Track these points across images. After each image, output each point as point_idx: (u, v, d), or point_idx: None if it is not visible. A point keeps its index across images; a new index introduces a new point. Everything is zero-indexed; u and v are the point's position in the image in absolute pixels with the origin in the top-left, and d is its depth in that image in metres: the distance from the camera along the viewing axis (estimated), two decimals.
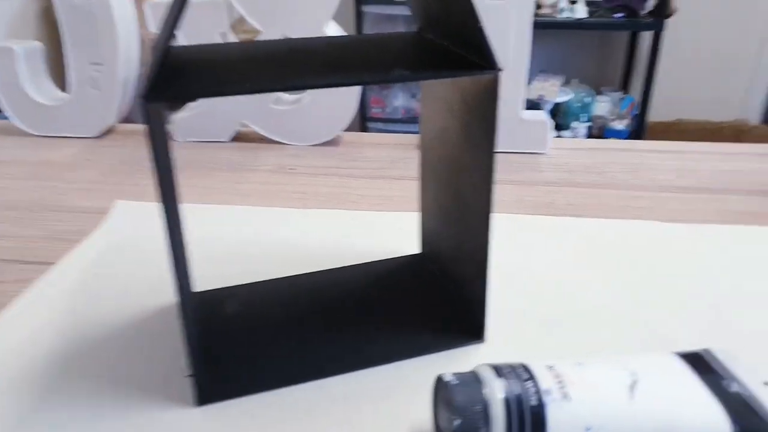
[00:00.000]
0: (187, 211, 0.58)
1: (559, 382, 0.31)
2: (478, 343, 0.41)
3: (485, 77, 0.34)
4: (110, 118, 0.79)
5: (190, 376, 0.36)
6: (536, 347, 0.41)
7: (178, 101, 0.29)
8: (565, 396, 0.31)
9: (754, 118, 2.35)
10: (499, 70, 0.33)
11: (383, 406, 0.36)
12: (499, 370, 0.32)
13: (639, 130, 2.13)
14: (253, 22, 0.68)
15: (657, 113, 2.27)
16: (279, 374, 0.38)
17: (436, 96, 0.42)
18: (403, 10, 2.18)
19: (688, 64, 2.32)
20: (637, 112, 2.15)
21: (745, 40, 2.27)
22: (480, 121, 0.36)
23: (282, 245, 0.53)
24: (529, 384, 0.31)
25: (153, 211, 0.58)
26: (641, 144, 0.75)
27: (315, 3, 0.68)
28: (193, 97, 0.29)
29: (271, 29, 0.69)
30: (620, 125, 2.16)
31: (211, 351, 0.40)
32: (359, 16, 2.24)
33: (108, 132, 0.81)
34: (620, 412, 0.31)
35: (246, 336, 0.42)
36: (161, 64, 0.30)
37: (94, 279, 0.48)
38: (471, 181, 0.39)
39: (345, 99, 0.73)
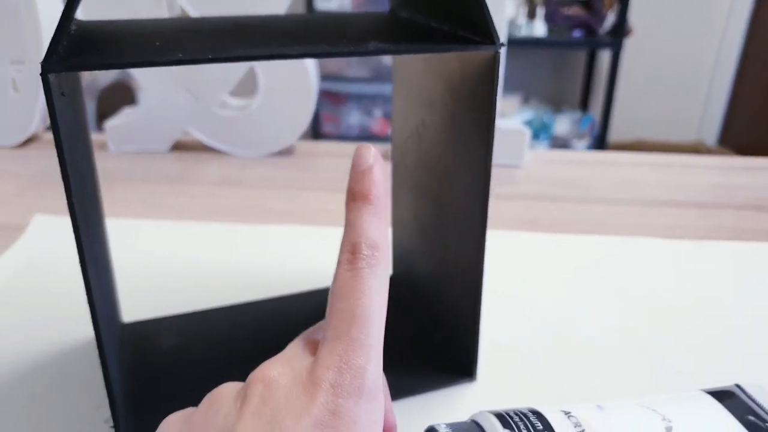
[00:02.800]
0: (115, 227, 0.50)
1: (581, 431, 0.25)
2: (469, 381, 0.34)
3: (482, 54, 0.27)
4: (32, 123, 0.69)
5: (113, 427, 0.28)
6: (535, 386, 0.34)
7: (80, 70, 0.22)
8: None
9: (710, 139, 2.39)
10: (501, 44, 0.26)
11: None
12: (505, 420, 0.26)
13: (600, 149, 2.13)
14: (192, 10, 0.60)
15: (617, 133, 2.28)
16: None
17: (411, 87, 0.35)
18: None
19: (646, 85, 2.34)
20: (597, 132, 2.14)
21: (700, 62, 2.31)
22: (472, 112, 0.29)
23: (226, 267, 0.46)
24: None
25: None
26: (623, 156, 0.70)
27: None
28: (103, 67, 0.21)
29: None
30: (580, 145, 2.15)
31: (141, 395, 0.33)
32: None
33: (30, 140, 0.72)
34: None
35: (183, 376, 0.34)
36: (65, 27, 0.23)
37: (2, 306, 0.40)
38: (457, 188, 0.32)
39: (300, 104, 0.66)
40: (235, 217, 0.54)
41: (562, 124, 2.16)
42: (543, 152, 0.72)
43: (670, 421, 0.27)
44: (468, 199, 0.31)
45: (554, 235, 0.51)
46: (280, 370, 0.21)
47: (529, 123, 2.13)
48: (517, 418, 0.26)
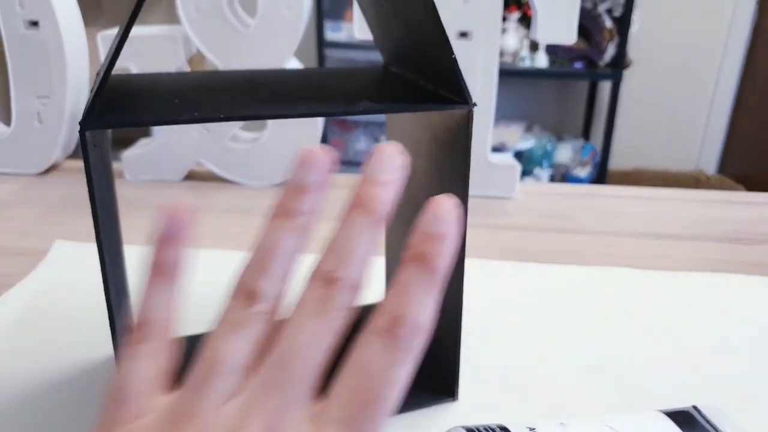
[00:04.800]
0: (132, 254, 0.54)
1: None
2: (451, 401, 0.37)
3: (457, 112, 0.31)
4: (54, 153, 0.74)
5: None
6: (513, 405, 0.38)
7: (117, 127, 0.26)
8: None
9: (709, 168, 2.42)
10: (473, 105, 0.31)
11: None
12: None
13: (600, 177, 2.16)
14: (211, 57, 0.65)
15: (617, 161, 2.32)
16: None
17: (403, 133, 0.39)
18: (366, 55, 2.19)
19: (646, 115, 2.38)
20: (598, 160, 2.18)
21: (699, 92, 2.35)
22: (451, 160, 0.33)
23: None
24: None
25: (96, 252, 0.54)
26: (609, 189, 0.74)
27: (276, 37, 0.65)
28: (131, 125, 0.26)
29: (230, 65, 0.66)
30: (582, 173, 2.19)
31: None
32: (321, 61, 2.24)
33: (52, 168, 0.76)
34: None
35: None
36: (101, 90, 0.27)
37: (21, 329, 0.43)
38: None
39: (305, 137, 0.70)
40: (243, 244, 0.58)
41: (564, 153, 2.20)
42: (533, 185, 0.76)
43: None
44: None
45: (539, 265, 0.54)
46: None
47: (531, 151, 2.17)
48: None
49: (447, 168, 0.34)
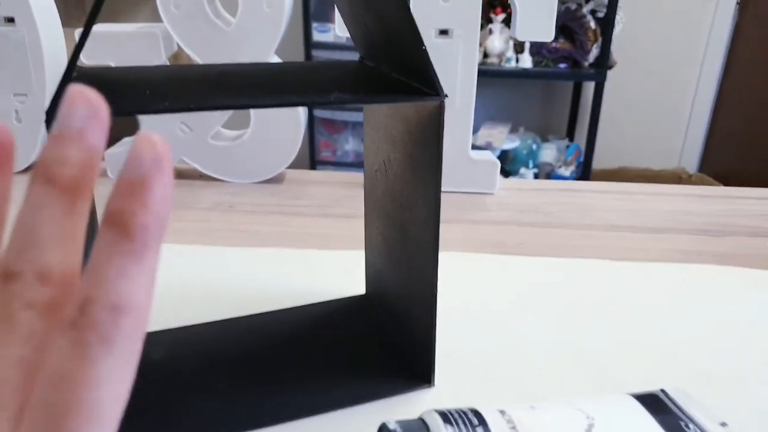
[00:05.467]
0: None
1: (513, 428, 0.30)
2: (427, 387, 0.38)
3: (429, 104, 0.32)
4: (34, 152, 0.74)
5: None
6: (487, 391, 0.38)
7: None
8: None
9: (691, 166, 2.45)
10: (444, 96, 0.31)
11: None
12: (447, 417, 0.30)
13: (584, 176, 2.19)
14: (192, 54, 0.65)
15: (601, 161, 2.34)
16: (203, 426, 0.34)
17: (378, 126, 0.40)
18: (354, 56, 2.20)
19: (629, 114, 2.41)
20: (582, 160, 2.20)
21: (681, 92, 2.38)
22: (424, 151, 0.34)
23: (217, 286, 0.50)
24: (480, 430, 0.29)
25: None
26: (587, 185, 0.75)
27: (257, 35, 0.66)
28: None
29: (210, 62, 0.67)
30: (566, 172, 2.21)
31: (130, 404, 0.36)
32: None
33: (31, 167, 0.76)
34: None
35: (171, 386, 0.38)
36: (66, 80, 0.27)
37: None
38: (416, 216, 0.37)
39: (288, 135, 0.71)
40: (225, 240, 0.59)
41: (549, 152, 2.22)
42: (515, 181, 0.77)
43: (592, 419, 0.31)
44: (424, 226, 0.36)
45: (515, 257, 0.55)
46: None
47: (516, 151, 2.18)
48: (457, 416, 0.30)
49: (421, 160, 0.35)
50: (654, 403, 0.33)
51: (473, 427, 0.29)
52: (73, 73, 0.28)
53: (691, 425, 0.31)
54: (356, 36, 0.40)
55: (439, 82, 0.31)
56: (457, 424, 0.29)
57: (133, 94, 0.30)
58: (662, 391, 0.35)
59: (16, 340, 0.15)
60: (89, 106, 0.16)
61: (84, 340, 0.15)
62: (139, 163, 0.15)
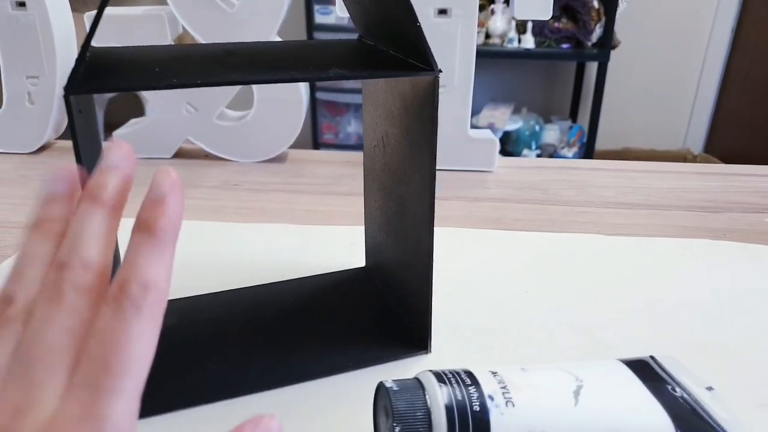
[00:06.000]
0: (125, 226, 0.56)
1: (503, 387, 0.31)
2: (425, 353, 0.40)
3: (424, 79, 0.33)
4: (46, 133, 0.76)
5: None
6: (482, 356, 0.40)
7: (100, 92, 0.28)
8: (509, 401, 0.30)
9: (696, 147, 2.45)
10: (438, 71, 0.33)
11: (327, 418, 0.35)
12: (441, 377, 0.31)
13: (587, 157, 2.19)
14: (196, 35, 0.67)
15: (604, 142, 2.34)
16: (215, 388, 0.36)
17: (377, 102, 0.41)
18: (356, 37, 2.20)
19: (633, 95, 2.41)
20: (585, 141, 2.20)
21: (686, 72, 2.37)
22: (420, 125, 0.35)
23: (224, 260, 0.51)
24: (472, 390, 0.30)
25: None
26: (586, 163, 0.76)
27: (260, 16, 0.67)
28: (112, 90, 0.28)
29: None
30: (569, 153, 2.22)
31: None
32: None
33: (44, 148, 0.78)
34: (565, 417, 0.30)
35: (181, 350, 0.39)
36: (82, 58, 0.29)
37: None
38: (413, 189, 0.38)
39: (290, 115, 0.72)
40: (232, 217, 0.60)
41: (552, 133, 2.22)
42: (514, 160, 0.78)
43: (581, 381, 0.32)
44: (421, 198, 0.37)
45: (514, 233, 0.57)
46: (19, 417, 0.19)
47: (519, 132, 2.19)
48: (450, 376, 0.31)
49: (417, 135, 0.36)
50: (643, 368, 0.34)
51: (466, 386, 0.31)
52: (87, 53, 0.30)
53: (678, 389, 0.32)
54: (355, 15, 0.41)
55: (433, 57, 0.32)
56: (450, 383, 0.31)
57: (143, 72, 0.31)
58: (651, 357, 0.36)
59: (65, 314, 0.20)
60: (125, 152, 0.23)
61: (122, 307, 0.20)
62: (160, 187, 0.22)
